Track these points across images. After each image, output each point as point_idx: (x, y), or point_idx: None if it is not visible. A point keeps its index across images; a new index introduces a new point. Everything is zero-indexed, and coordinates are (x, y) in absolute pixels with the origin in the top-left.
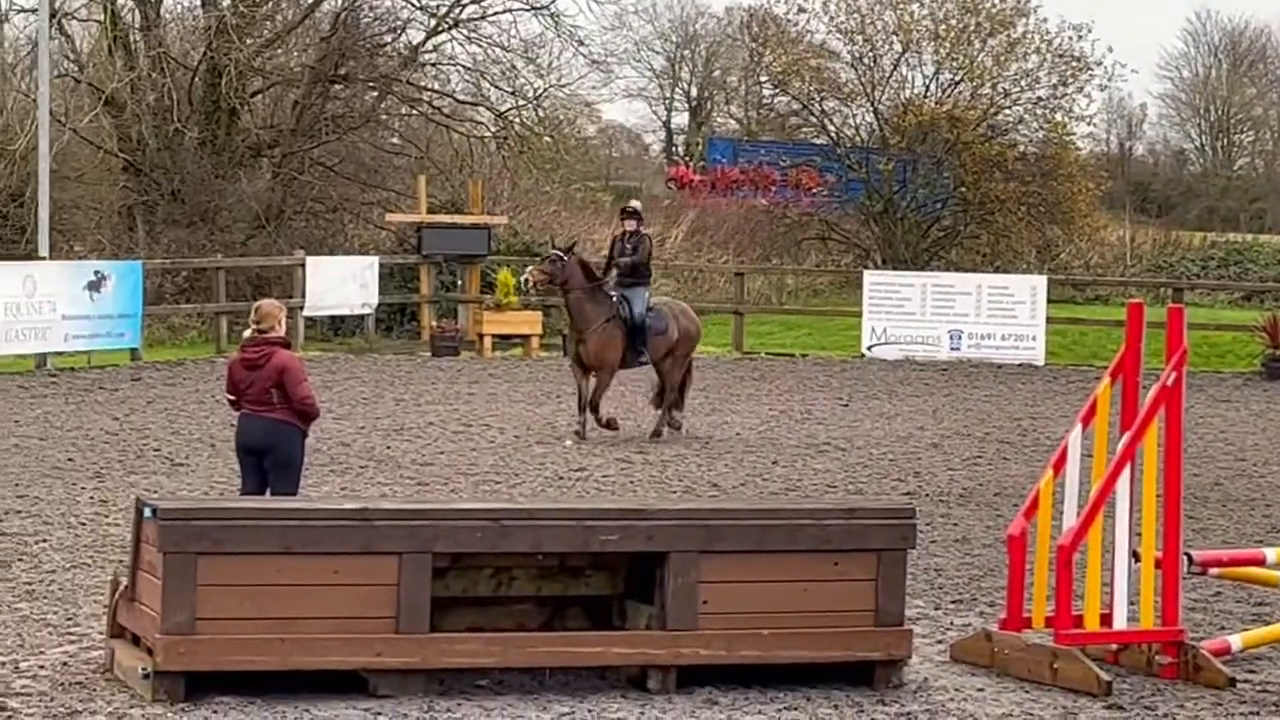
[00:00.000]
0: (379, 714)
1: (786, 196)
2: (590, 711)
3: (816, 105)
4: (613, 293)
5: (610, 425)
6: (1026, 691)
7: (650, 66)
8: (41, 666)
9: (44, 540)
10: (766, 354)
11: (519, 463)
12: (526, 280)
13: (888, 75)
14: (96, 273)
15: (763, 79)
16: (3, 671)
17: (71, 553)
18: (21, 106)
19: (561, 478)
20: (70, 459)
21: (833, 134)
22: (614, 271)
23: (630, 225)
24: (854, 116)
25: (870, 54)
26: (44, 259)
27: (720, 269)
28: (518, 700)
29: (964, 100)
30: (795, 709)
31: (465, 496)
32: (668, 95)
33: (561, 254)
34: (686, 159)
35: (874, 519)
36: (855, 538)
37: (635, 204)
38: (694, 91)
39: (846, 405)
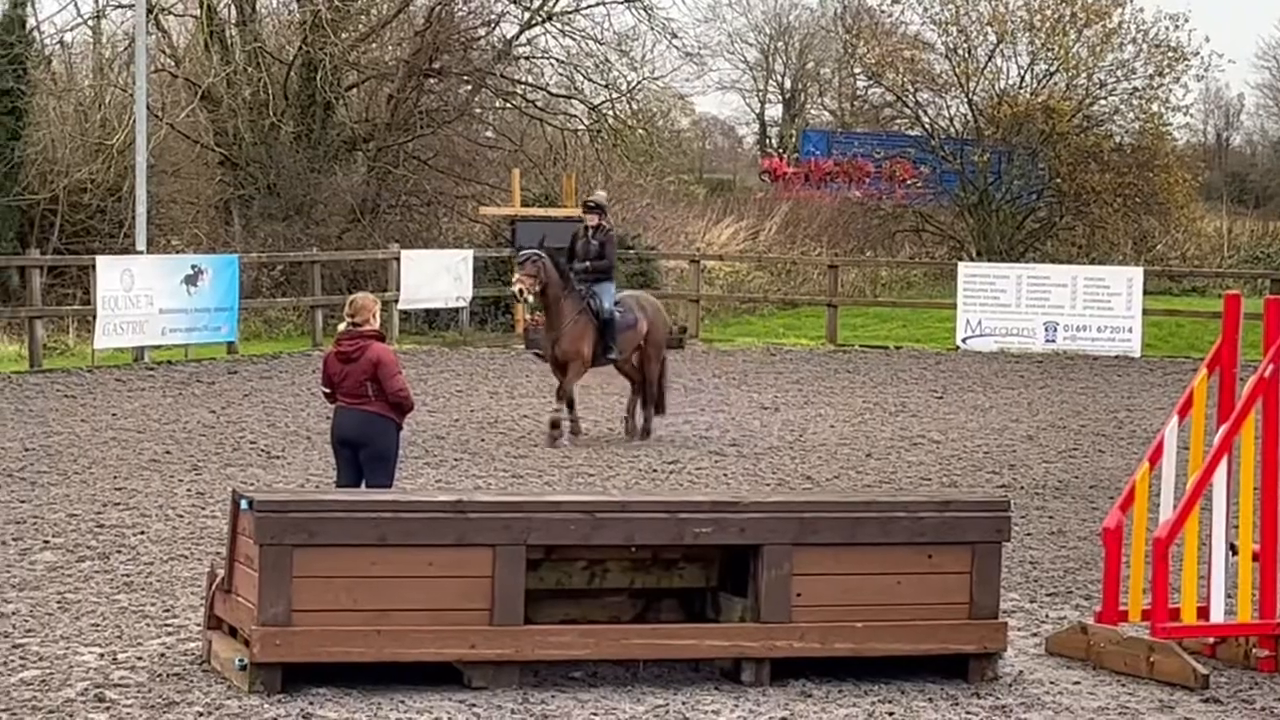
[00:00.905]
0: (474, 706)
1: (880, 188)
2: (684, 704)
3: (911, 97)
4: (580, 287)
5: (555, 426)
6: (1123, 685)
7: (744, 59)
8: (139, 658)
9: (142, 532)
10: (860, 346)
11: (612, 455)
12: (520, 292)
13: (982, 66)
14: (193, 267)
15: (857, 70)
16: (101, 663)
17: (169, 545)
18: (119, 101)
19: (655, 470)
20: (168, 452)
21: (927, 125)
22: (574, 267)
23: (592, 220)
24: (948, 108)
25: (965, 45)
26: (141, 253)
27: (814, 261)
28: (611, 692)
29: (1059, 91)
30: (889, 702)
31: (559, 489)
32: (761, 87)
33: (539, 252)
34: (780, 151)
35: (968, 512)
36: (950, 530)
37: (598, 196)
38: (788, 83)
39: (941, 398)
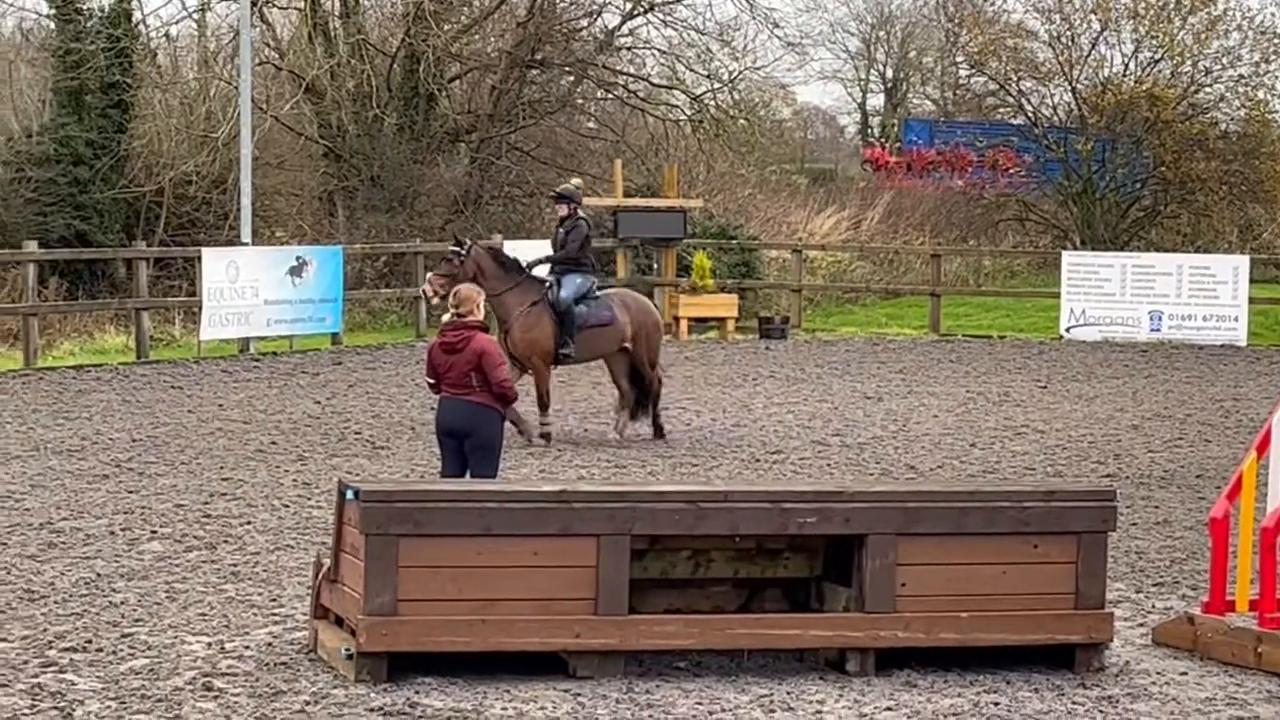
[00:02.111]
0: (578, 695)
1: (983, 177)
2: (789, 693)
3: (1014, 85)
4: (547, 278)
5: (545, 439)
6: (1230, 675)
7: (845, 48)
8: (247, 647)
9: (248, 523)
10: (963, 336)
11: (716, 445)
12: (425, 292)
13: (1086, 54)
14: (298, 258)
15: (959, 59)
16: (209, 652)
17: (275, 535)
18: (224, 94)
19: (758, 460)
20: (273, 442)
21: (1030, 114)
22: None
23: (563, 210)
24: (1051, 96)
25: (1068, 33)
26: (246, 245)
27: (917, 251)
28: (716, 682)
29: (1164, 79)
30: (995, 692)
31: (663, 479)
32: (863, 77)
33: (459, 250)
34: (882, 141)
35: (1074, 501)
36: (1055, 520)
37: (568, 185)
38: (889, 73)
39: (1045, 387)
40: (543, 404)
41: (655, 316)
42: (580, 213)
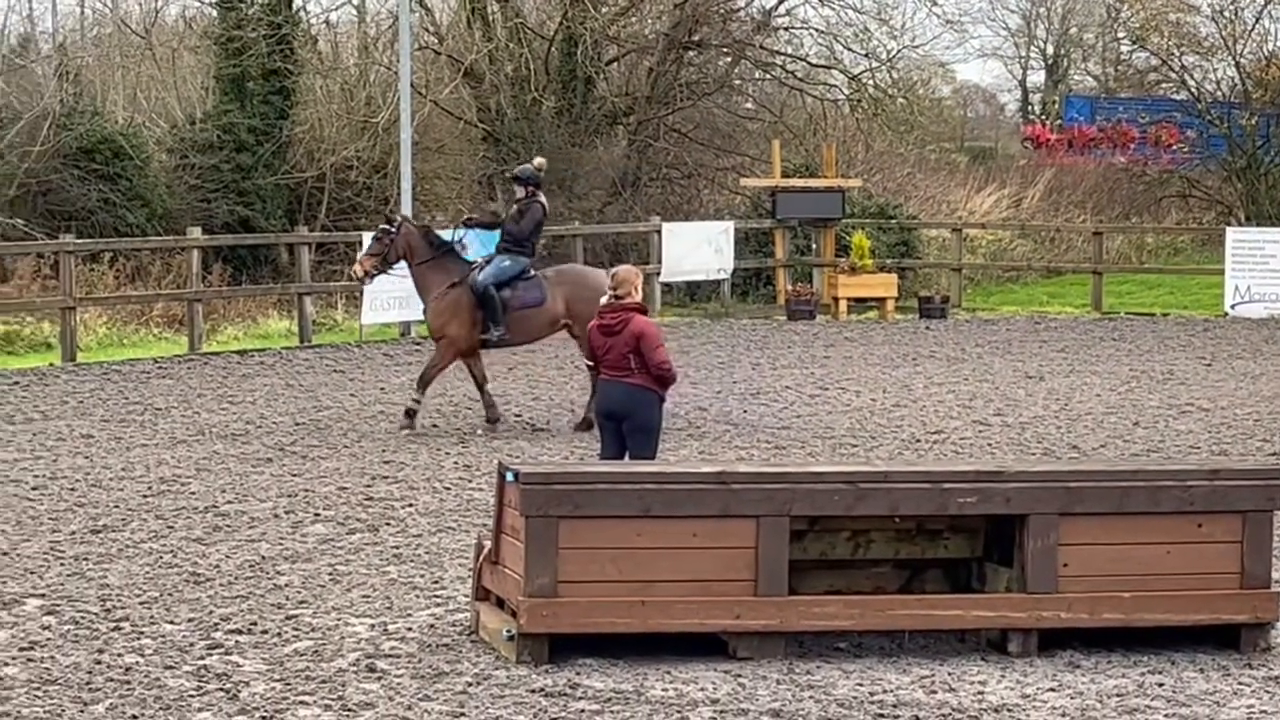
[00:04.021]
0: (739, 676)
1: (1145, 154)
2: (950, 674)
3: (1176, 60)
4: (474, 259)
5: (492, 420)
6: None
7: (1005, 25)
8: (409, 628)
9: (410, 505)
10: (1126, 314)
11: (875, 425)
12: (354, 274)
13: (1250, 28)
14: (458, 241)
15: (1120, 35)
16: (372, 633)
17: (437, 517)
18: (383, 79)
19: (918, 440)
20: (434, 425)
21: (1193, 89)
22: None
23: (520, 191)
24: (1214, 71)
25: (1231, 6)
26: None
27: (1078, 228)
28: (877, 663)
29: None
30: (1159, 673)
31: (822, 460)
32: (1023, 54)
33: (389, 228)
34: (1043, 118)
35: (1239, 480)
36: (1220, 499)
37: (526, 166)
38: (1050, 49)
39: (1209, 365)
40: (425, 381)
41: (596, 289)
42: (539, 195)
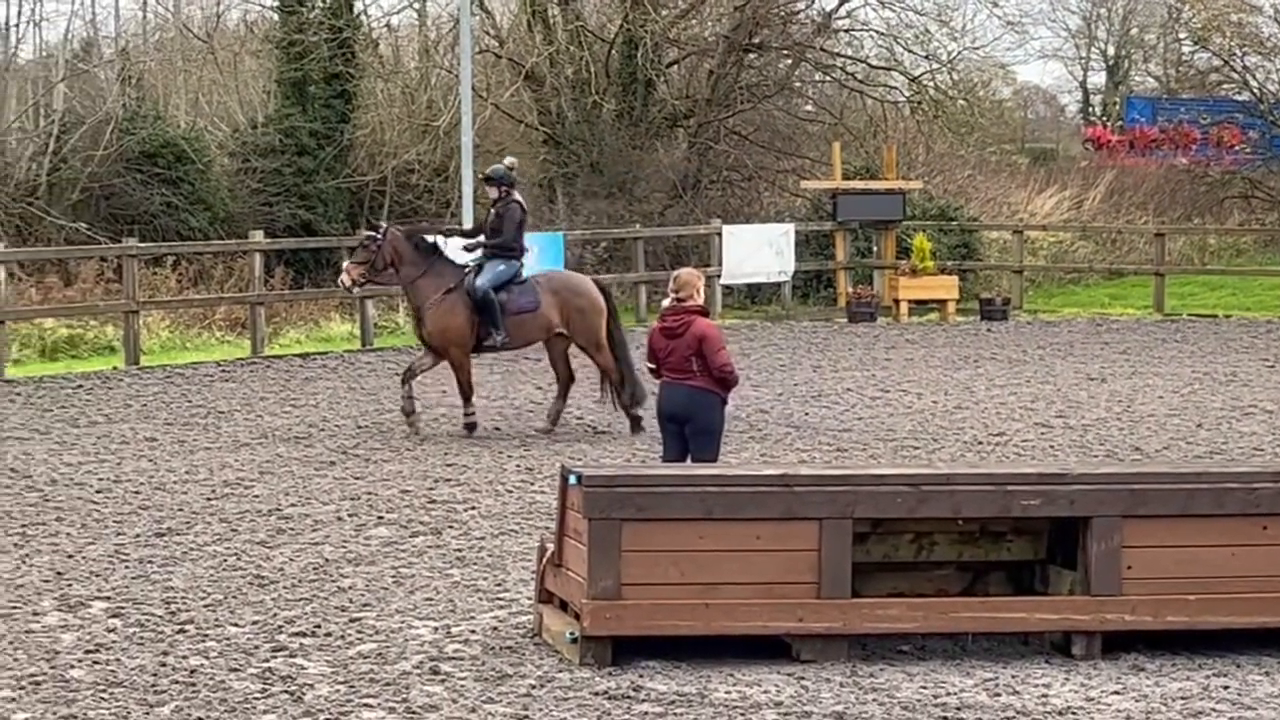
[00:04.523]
0: (802, 679)
1: (1208, 155)
2: (1014, 677)
3: (1238, 61)
4: (467, 264)
5: (409, 416)
6: None
7: (1065, 26)
8: (472, 631)
9: (473, 508)
10: (1189, 315)
11: (937, 428)
12: (342, 283)
13: None
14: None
15: (1182, 35)
16: (435, 636)
17: (499, 520)
18: (444, 83)
19: (980, 443)
20: (497, 428)
21: (1255, 90)
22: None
23: (493, 193)
24: (1277, 71)
25: None
26: None
27: (1140, 230)
28: (940, 665)
29: None
30: (1224, 675)
31: (884, 462)
32: (1084, 55)
33: (375, 234)
34: (1104, 119)
35: None
36: None
37: (498, 166)
38: (1110, 50)
39: (1273, 366)
40: (465, 395)
41: (590, 298)
42: (515, 195)
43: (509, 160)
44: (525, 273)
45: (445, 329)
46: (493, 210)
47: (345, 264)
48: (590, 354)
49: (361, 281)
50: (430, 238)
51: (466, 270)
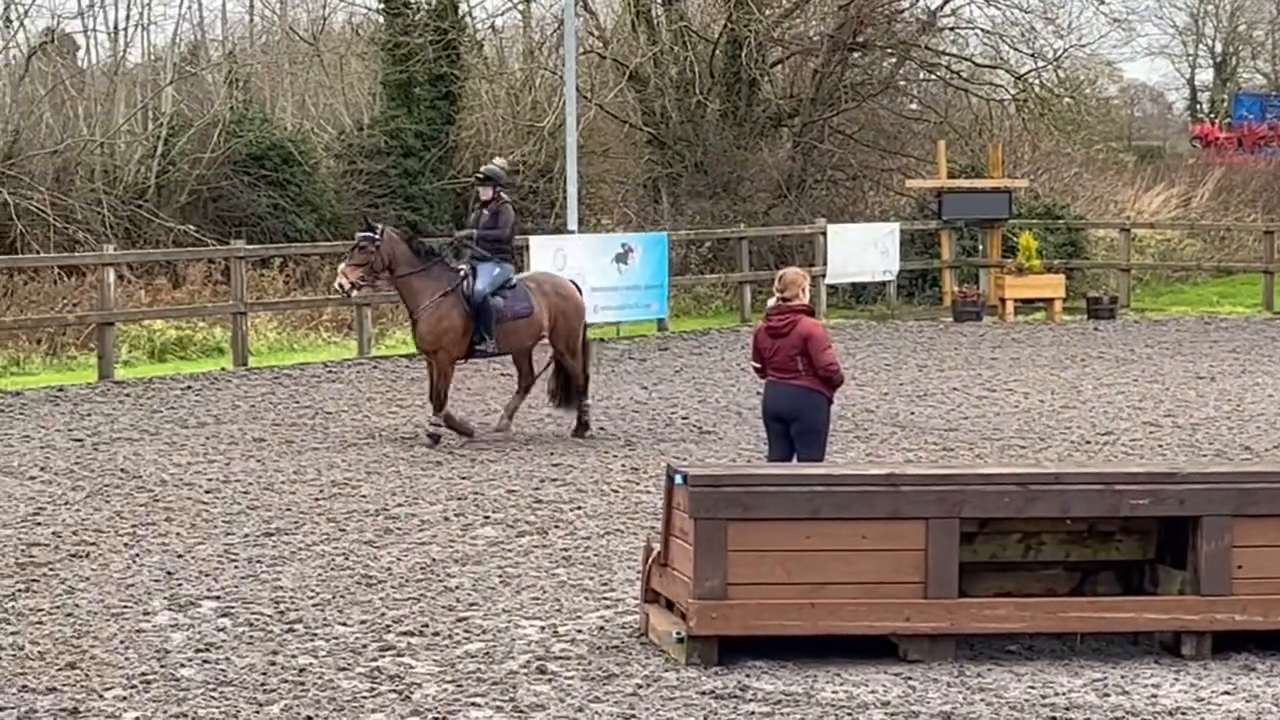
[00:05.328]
0: (909, 679)
1: None
2: (1123, 677)
3: None
4: (461, 266)
5: (463, 430)
6: None
7: (1172, 23)
8: (579, 630)
9: (578, 507)
10: None
11: (1044, 427)
12: (340, 286)
13: None
14: (623, 245)
15: None
16: (542, 635)
17: (605, 519)
18: (549, 84)
19: (1088, 442)
20: (601, 428)
21: None
22: (466, 246)
23: (486, 193)
24: None
25: None
26: (573, 233)
27: (1249, 227)
28: (1048, 665)
29: None
30: None
31: (991, 461)
32: (1191, 52)
33: (372, 235)
34: (1211, 116)
35: None
36: None
37: (489, 166)
38: (1218, 47)
39: None
40: (438, 403)
41: (575, 301)
42: (504, 195)
43: (499, 161)
44: (521, 273)
45: (440, 332)
46: (485, 209)
47: (342, 266)
48: (564, 357)
49: (359, 285)
50: (427, 242)
51: (463, 274)
